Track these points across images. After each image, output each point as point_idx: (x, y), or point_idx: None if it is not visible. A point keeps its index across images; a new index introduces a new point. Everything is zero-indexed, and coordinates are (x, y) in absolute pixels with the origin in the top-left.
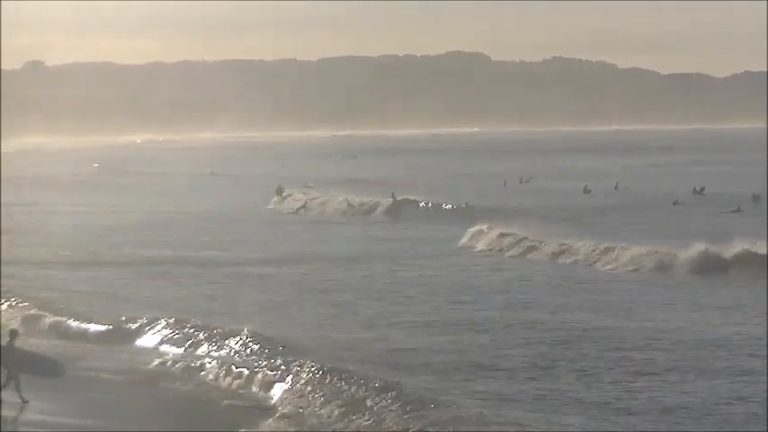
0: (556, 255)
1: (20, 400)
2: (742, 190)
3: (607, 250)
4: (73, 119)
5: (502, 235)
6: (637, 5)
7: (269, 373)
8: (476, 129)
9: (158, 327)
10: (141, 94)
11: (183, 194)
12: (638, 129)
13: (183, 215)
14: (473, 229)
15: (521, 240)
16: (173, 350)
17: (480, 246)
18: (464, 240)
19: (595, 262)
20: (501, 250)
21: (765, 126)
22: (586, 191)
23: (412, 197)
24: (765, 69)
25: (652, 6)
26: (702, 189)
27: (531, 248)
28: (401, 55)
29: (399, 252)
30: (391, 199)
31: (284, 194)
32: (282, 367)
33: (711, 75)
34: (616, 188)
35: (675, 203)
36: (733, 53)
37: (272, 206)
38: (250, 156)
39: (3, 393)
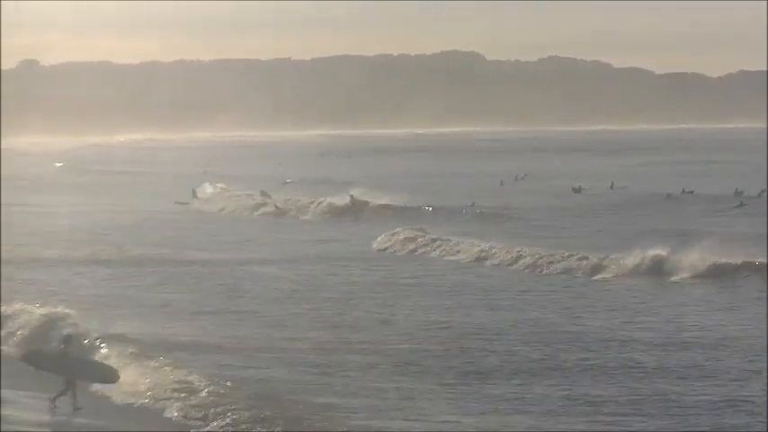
0: (443, 253)
1: (72, 407)
2: (730, 190)
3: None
4: (70, 118)
5: (407, 238)
6: (632, 5)
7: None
8: (472, 128)
9: None
10: (138, 93)
11: (122, 192)
12: (634, 128)
13: (102, 212)
14: (393, 231)
15: (431, 242)
16: None
17: (381, 246)
18: (378, 241)
19: (484, 260)
20: (395, 251)
21: (763, 125)
22: (577, 190)
23: (374, 197)
24: (761, 68)
25: (648, 6)
26: (692, 191)
27: (428, 249)
28: (396, 54)
29: (304, 253)
30: (349, 199)
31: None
32: None
33: (707, 74)
34: (612, 187)
35: (669, 196)
36: (728, 52)
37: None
38: (245, 155)
39: (58, 401)
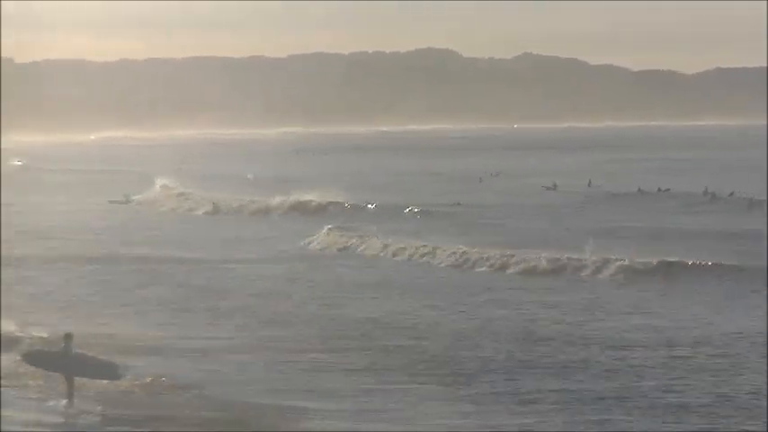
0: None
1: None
2: (703, 187)
3: (434, 249)
4: (45, 116)
5: (335, 236)
6: (608, 3)
7: None
8: (447, 126)
9: None
10: (114, 91)
11: (56, 190)
12: (610, 125)
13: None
14: (325, 228)
15: (353, 239)
16: None
17: (314, 245)
18: (310, 239)
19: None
20: (323, 248)
21: (738, 122)
22: (551, 188)
23: (326, 196)
24: (737, 66)
25: (624, 4)
26: (668, 189)
27: (348, 247)
28: (371, 52)
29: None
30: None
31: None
32: None
33: (682, 72)
34: (589, 185)
35: (640, 192)
36: (704, 50)
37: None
38: (219, 153)
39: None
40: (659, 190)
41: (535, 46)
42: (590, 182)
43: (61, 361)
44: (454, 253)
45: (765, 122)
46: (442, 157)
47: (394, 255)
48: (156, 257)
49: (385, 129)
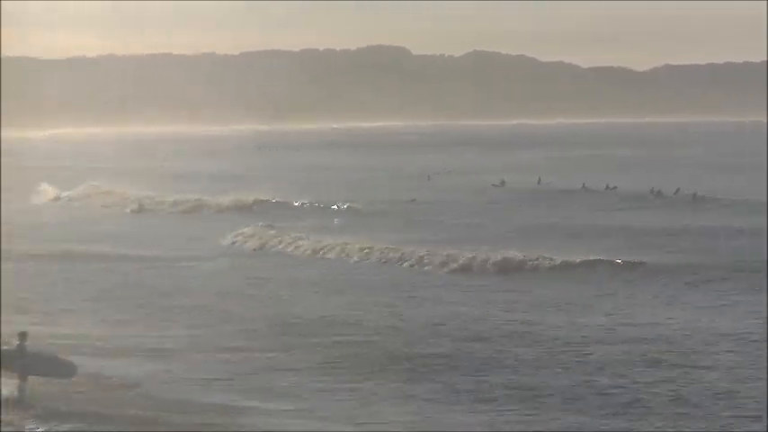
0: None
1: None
2: (651, 184)
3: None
4: None
5: (254, 235)
6: (559, 3)
7: None
8: (398, 122)
9: None
10: (69, 88)
11: None
12: (561, 122)
13: None
14: (251, 226)
15: (279, 237)
16: None
17: (227, 242)
18: (230, 237)
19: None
20: (239, 244)
21: (691, 119)
22: (497, 185)
23: (255, 194)
24: (686, 63)
25: (574, 4)
26: (615, 187)
27: (269, 244)
28: (321, 50)
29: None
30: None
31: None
32: None
33: (633, 68)
34: (539, 182)
35: (583, 186)
36: (654, 46)
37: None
38: (170, 149)
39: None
40: (607, 187)
41: (485, 43)
42: (540, 179)
43: (16, 359)
44: (388, 248)
45: (714, 119)
46: (392, 154)
47: (318, 252)
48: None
49: (336, 126)
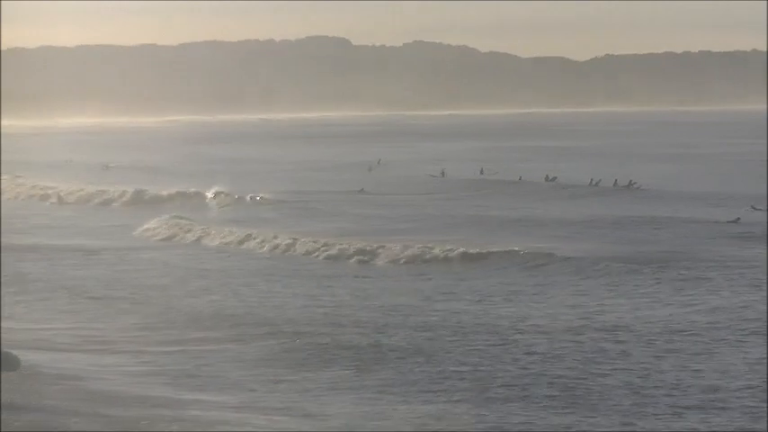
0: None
1: None
2: (591, 175)
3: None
4: None
5: (167, 226)
6: None
7: None
8: (339, 113)
9: None
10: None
11: None
12: (501, 113)
13: None
14: (161, 217)
15: (190, 229)
16: None
17: (139, 234)
18: (142, 228)
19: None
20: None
21: (631, 109)
22: (436, 176)
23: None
24: (627, 52)
25: None
26: (554, 178)
27: (173, 236)
28: (262, 40)
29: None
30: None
31: None
32: None
33: (573, 58)
34: (482, 173)
35: (520, 179)
36: (594, 36)
37: None
38: (98, 141)
39: None
40: (547, 178)
41: (426, 33)
42: (482, 170)
43: None
44: (315, 242)
45: (654, 109)
46: (333, 145)
47: (229, 243)
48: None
49: (276, 117)
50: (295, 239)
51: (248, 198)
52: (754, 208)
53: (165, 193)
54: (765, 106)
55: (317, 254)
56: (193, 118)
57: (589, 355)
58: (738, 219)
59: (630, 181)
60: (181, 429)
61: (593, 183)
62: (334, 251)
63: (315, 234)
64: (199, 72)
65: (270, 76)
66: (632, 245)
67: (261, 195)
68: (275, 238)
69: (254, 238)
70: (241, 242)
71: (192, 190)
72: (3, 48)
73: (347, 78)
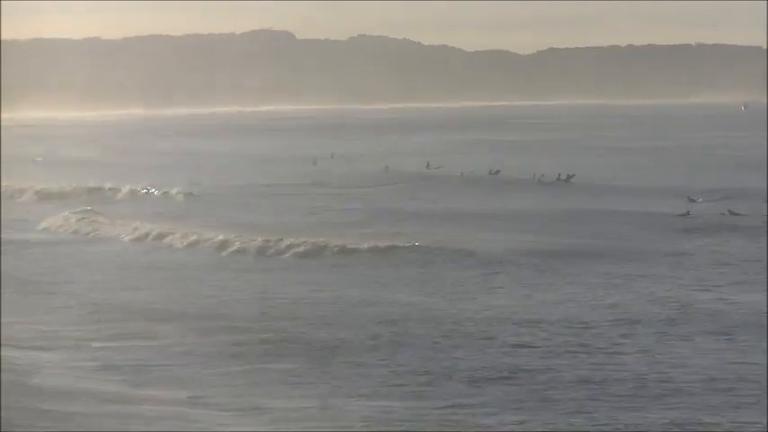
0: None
1: None
2: (540, 169)
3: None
4: None
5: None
6: None
7: None
8: (283, 107)
9: None
10: None
11: None
12: (445, 106)
13: None
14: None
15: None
16: None
17: (43, 225)
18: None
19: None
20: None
21: (574, 102)
22: (381, 171)
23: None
24: (569, 46)
25: None
26: (498, 171)
27: (78, 230)
28: (205, 34)
29: None
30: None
31: None
32: None
33: (516, 52)
34: (428, 167)
35: (461, 175)
36: (537, 30)
37: None
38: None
39: None
40: (490, 172)
41: (369, 27)
42: (428, 164)
43: None
44: (225, 238)
45: (599, 102)
46: (277, 138)
47: (144, 238)
48: None
49: (219, 110)
50: (223, 235)
51: (174, 192)
52: (691, 200)
53: (79, 186)
54: (707, 100)
55: (231, 248)
56: (136, 112)
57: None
58: (688, 212)
59: (569, 174)
60: (127, 427)
61: (536, 177)
62: (253, 245)
63: (240, 228)
64: (142, 66)
65: (213, 71)
66: (553, 237)
67: (177, 190)
68: (193, 234)
69: (173, 233)
70: (157, 237)
71: (109, 185)
72: None
73: (291, 72)
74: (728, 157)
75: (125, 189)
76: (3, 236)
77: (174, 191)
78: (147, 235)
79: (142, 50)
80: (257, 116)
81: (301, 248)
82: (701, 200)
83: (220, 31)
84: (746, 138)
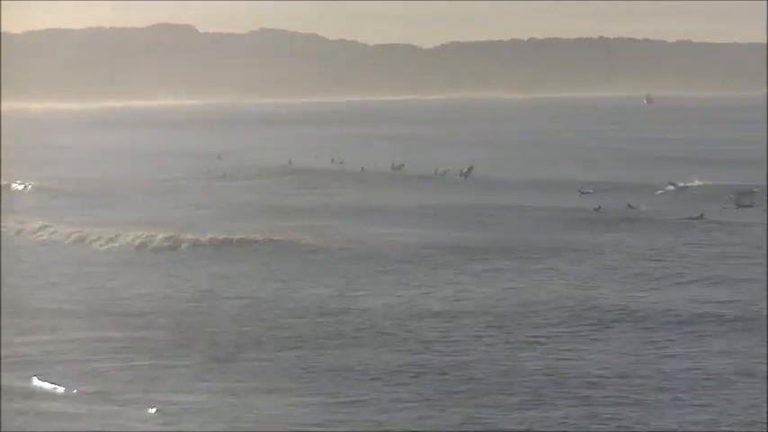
0: None
1: None
2: (446, 164)
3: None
4: None
5: None
6: None
7: None
8: (186, 101)
9: None
10: None
11: None
12: (349, 100)
13: None
14: None
15: None
16: None
17: None
18: None
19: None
20: None
21: (477, 95)
22: (285, 165)
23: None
24: (471, 40)
25: None
26: (401, 166)
27: None
28: (108, 28)
29: None
30: None
31: None
32: None
33: (419, 45)
34: (332, 162)
35: (362, 170)
36: (440, 24)
37: None
38: None
39: None
40: (393, 167)
41: (273, 21)
42: (333, 159)
43: None
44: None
45: (501, 95)
46: (180, 132)
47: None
48: None
49: (120, 105)
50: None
51: (66, 187)
52: (582, 192)
53: None
54: (611, 93)
55: (109, 244)
56: (33, 106)
57: None
58: (600, 207)
59: (468, 168)
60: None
61: (438, 172)
62: (137, 240)
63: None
64: (41, 61)
65: (114, 64)
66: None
67: (31, 184)
68: (77, 231)
69: (48, 227)
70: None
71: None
72: None
73: (193, 65)
74: (622, 150)
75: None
76: None
77: (82, 187)
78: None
79: (41, 45)
80: (152, 111)
81: (154, 243)
82: (591, 190)
83: (123, 26)
84: (646, 131)
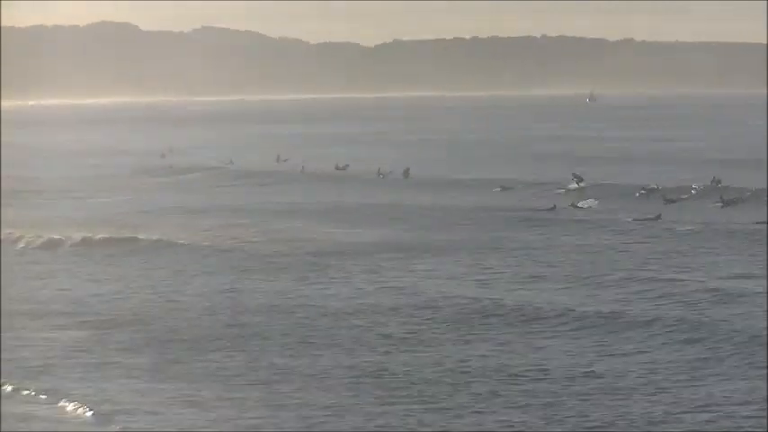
0: None
1: None
2: (383, 164)
3: None
4: None
5: None
6: None
7: None
8: (126, 99)
9: None
10: None
11: None
12: (291, 98)
13: None
14: None
15: None
16: None
17: None
18: None
19: None
20: None
21: (419, 93)
22: (227, 164)
23: None
24: (415, 38)
25: None
26: (346, 166)
27: None
28: (49, 26)
29: None
30: None
31: None
32: None
33: (361, 43)
34: (278, 161)
35: (302, 170)
36: (382, 21)
37: None
38: None
39: None
40: (337, 167)
41: (214, 19)
42: (278, 157)
43: None
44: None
45: (443, 93)
46: (121, 131)
47: None
48: None
49: (60, 102)
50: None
51: None
52: (504, 188)
53: None
54: (553, 92)
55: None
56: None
57: None
58: (554, 206)
59: (406, 169)
60: None
61: (380, 173)
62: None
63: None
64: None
65: (56, 62)
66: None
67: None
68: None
69: None
70: None
71: None
72: None
73: (135, 64)
74: (562, 150)
75: None
76: None
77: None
78: None
79: None
80: (105, 107)
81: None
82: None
83: (64, 23)
84: (585, 129)
